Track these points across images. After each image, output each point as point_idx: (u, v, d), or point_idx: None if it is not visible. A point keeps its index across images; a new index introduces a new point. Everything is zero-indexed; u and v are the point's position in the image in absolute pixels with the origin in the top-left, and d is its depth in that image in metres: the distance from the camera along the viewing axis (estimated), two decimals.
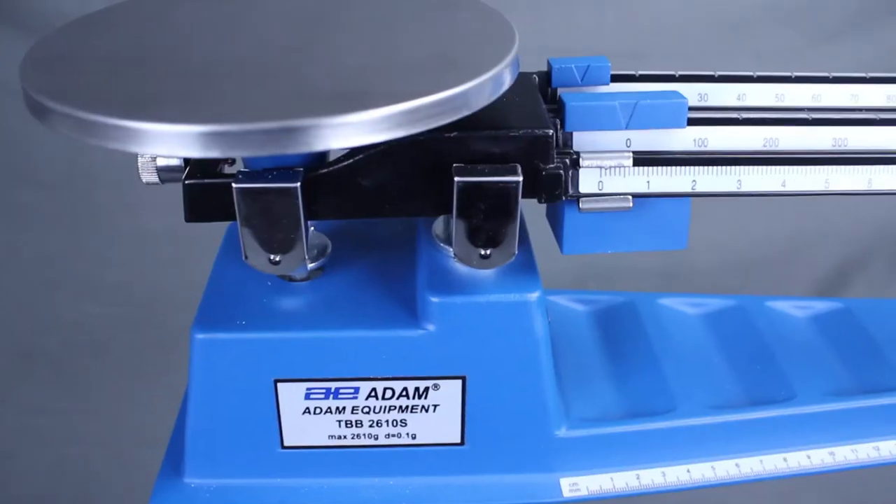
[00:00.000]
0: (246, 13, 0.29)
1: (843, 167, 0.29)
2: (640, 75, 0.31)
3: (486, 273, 0.29)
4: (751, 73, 0.33)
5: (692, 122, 0.29)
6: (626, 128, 0.28)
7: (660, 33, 0.87)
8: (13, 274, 0.78)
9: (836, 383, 0.35)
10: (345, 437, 0.30)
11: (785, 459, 0.33)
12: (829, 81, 0.33)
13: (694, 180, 0.28)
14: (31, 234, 0.79)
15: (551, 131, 0.26)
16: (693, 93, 0.32)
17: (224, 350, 0.28)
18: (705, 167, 0.28)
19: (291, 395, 0.29)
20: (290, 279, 0.31)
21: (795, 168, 0.28)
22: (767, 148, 0.29)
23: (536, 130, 0.26)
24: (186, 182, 0.27)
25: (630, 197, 0.27)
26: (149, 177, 0.28)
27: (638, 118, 0.28)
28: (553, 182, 0.26)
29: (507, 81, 0.25)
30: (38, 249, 0.79)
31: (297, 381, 0.29)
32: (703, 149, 0.29)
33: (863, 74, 0.34)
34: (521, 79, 0.30)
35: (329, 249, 0.31)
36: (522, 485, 0.31)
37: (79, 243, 0.78)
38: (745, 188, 0.28)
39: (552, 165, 0.26)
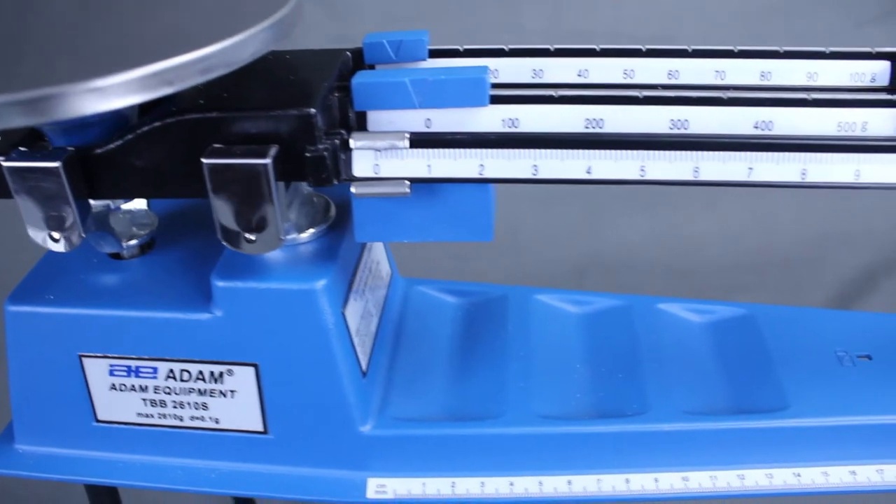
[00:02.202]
0: None
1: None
2: (465, 50, 0.29)
3: (283, 259, 0.28)
4: (639, 47, 0.29)
5: (498, 100, 0.26)
6: (421, 106, 0.26)
7: (685, 16, 0.81)
8: None
9: (702, 400, 0.31)
10: (152, 416, 0.30)
11: (627, 481, 0.29)
12: (779, 56, 0.28)
13: (482, 164, 0.25)
14: None
15: (313, 111, 0.24)
16: (540, 68, 0.29)
17: (32, 323, 0.29)
18: (495, 150, 0.25)
19: (97, 371, 0.29)
20: (118, 257, 0.31)
21: (610, 153, 0.25)
22: (589, 130, 0.26)
23: (296, 110, 0.24)
24: None
25: (407, 182, 0.25)
26: None
27: (432, 96, 0.26)
28: (317, 165, 0.25)
29: (253, 47, 0.23)
30: None
31: (100, 357, 0.29)
32: (511, 130, 0.26)
33: (822, 49, 0.29)
34: (323, 55, 0.28)
35: (152, 229, 0.31)
36: (328, 480, 0.30)
37: None
38: (543, 174, 0.25)
39: (317, 147, 0.25)
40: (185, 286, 0.29)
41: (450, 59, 0.29)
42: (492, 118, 0.26)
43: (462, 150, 0.25)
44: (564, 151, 0.25)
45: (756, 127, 0.26)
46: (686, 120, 0.26)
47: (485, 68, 0.26)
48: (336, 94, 0.26)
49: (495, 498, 0.29)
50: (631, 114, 0.26)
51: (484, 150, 0.25)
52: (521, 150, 0.25)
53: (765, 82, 0.28)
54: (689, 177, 0.25)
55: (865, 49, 0.28)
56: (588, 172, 0.25)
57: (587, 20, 0.86)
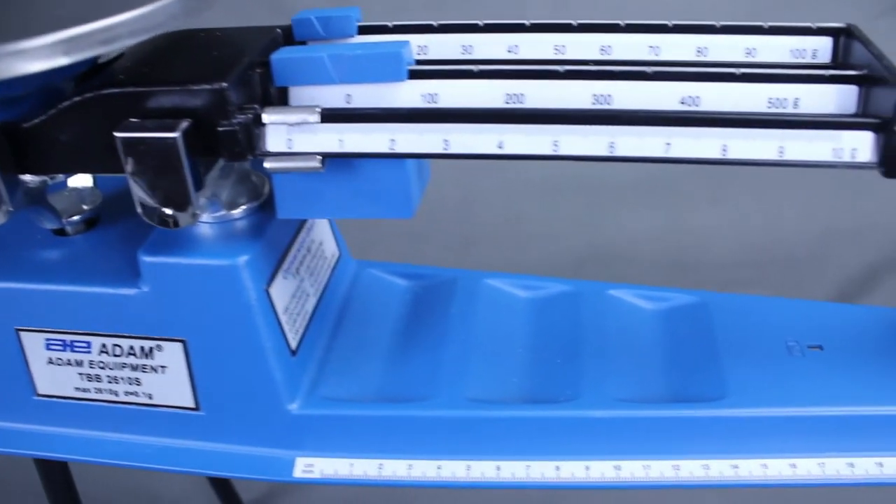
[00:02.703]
0: None
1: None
2: (394, 26, 0.28)
3: (212, 236, 0.28)
4: (570, 22, 0.29)
5: (417, 75, 0.26)
6: (340, 82, 0.26)
7: (693, 10, 0.79)
8: None
9: (639, 388, 0.30)
10: (89, 390, 0.30)
11: (557, 468, 0.29)
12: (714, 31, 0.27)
13: (392, 139, 0.25)
14: None
15: (225, 85, 0.24)
16: (474, 44, 0.29)
17: None
18: (406, 124, 0.24)
19: (34, 345, 0.30)
20: (63, 233, 0.32)
21: (523, 127, 0.24)
22: (509, 105, 0.25)
23: (208, 85, 0.24)
24: None
25: (319, 157, 0.25)
26: None
27: (350, 71, 0.25)
28: (230, 140, 0.25)
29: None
30: None
31: (36, 332, 0.30)
32: (431, 105, 0.26)
33: (761, 24, 0.28)
34: (254, 32, 0.28)
35: (96, 205, 0.31)
36: (257, 458, 0.30)
37: None
38: (454, 149, 0.24)
39: (230, 122, 0.25)
40: (121, 262, 0.29)
41: (379, 36, 0.28)
42: (411, 93, 0.26)
43: (373, 125, 0.25)
44: (476, 126, 0.24)
45: (682, 102, 0.25)
46: (609, 95, 0.25)
47: (403, 43, 0.26)
48: (258, 70, 0.26)
49: (422, 481, 0.29)
50: (552, 89, 0.25)
51: (395, 125, 0.25)
52: (433, 125, 0.24)
53: (701, 58, 0.27)
54: (604, 152, 0.24)
55: (806, 24, 0.27)
56: (500, 147, 0.24)
57: (593, 11, 0.84)
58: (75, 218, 0.31)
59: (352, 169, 0.26)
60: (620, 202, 0.80)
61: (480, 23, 0.28)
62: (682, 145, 0.24)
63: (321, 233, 0.33)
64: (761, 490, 0.29)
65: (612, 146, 0.24)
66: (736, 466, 0.29)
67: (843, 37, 0.27)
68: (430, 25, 0.28)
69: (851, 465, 0.29)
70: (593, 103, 0.25)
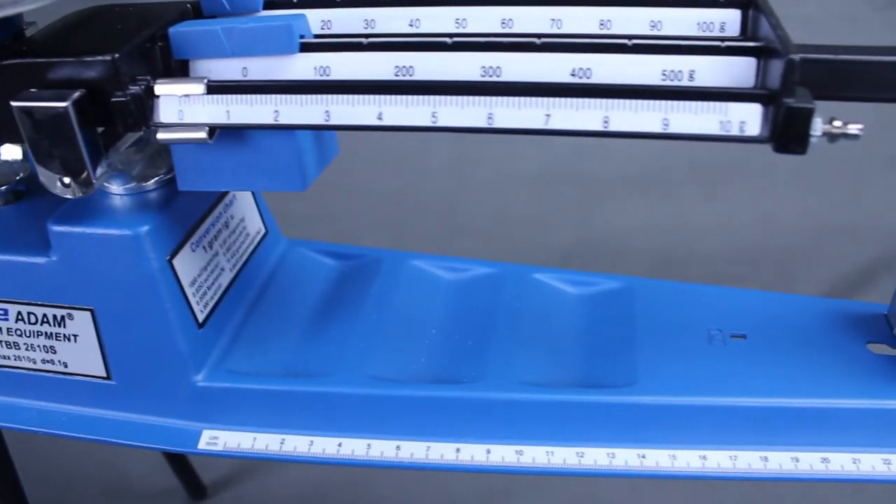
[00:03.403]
0: None
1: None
2: (300, 1, 0.28)
3: (121, 206, 0.29)
4: None
5: (310, 47, 0.25)
6: (234, 55, 0.26)
7: None
8: None
9: (549, 372, 0.29)
10: (8, 357, 0.31)
11: (458, 450, 0.28)
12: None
13: (276, 111, 0.25)
14: None
15: (117, 56, 0.25)
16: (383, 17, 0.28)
17: None
18: (289, 95, 0.24)
19: None
20: None
21: (402, 98, 0.24)
22: (401, 77, 0.25)
23: (101, 56, 0.25)
24: None
25: (206, 128, 0.25)
26: None
27: (244, 44, 0.26)
28: (122, 110, 0.25)
29: None
30: None
31: None
32: (324, 78, 0.26)
33: None
34: (164, 7, 0.28)
35: (24, 177, 0.32)
36: (164, 429, 0.30)
37: None
38: (335, 121, 0.24)
39: (123, 93, 0.25)
40: (39, 232, 0.30)
41: (284, 11, 0.28)
42: (304, 66, 0.26)
43: (257, 97, 0.25)
44: (356, 97, 0.24)
45: (573, 74, 0.24)
46: (498, 67, 0.24)
47: (297, 16, 0.26)
48: (159, 44, 0.27)
49: (322, 457, 0.29)
50: (440, 61, 0.25)
51: (278, 97, 0.25)
52: (314, 96, 0.24)
53: (604, 31, 0.26)
54: (482, 124, 0.23)
55: None
56: (379, 119, 0.24)
57: None
58: (2, 189, 0.32)
59: (244, 141, 0.26)
60: (612, 196, 0.78)
61: None
62: (562, 117, 0.23)
63: (243, 209, 0.33)
64: (671, 481, 0.28)
65: (490, 118, 0.23)
66: (643, 456, 0.28)
67: (752, 9, 0.25)
68: (334, 0, 0.28)
69: (765, 458, 0.28)
70: (482, 75, 0.25)
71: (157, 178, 0.29)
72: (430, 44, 0.25)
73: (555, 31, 0.27)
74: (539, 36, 0.25)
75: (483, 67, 0.24)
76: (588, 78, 0.24)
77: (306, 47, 0.25)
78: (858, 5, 0.73)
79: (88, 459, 0.52)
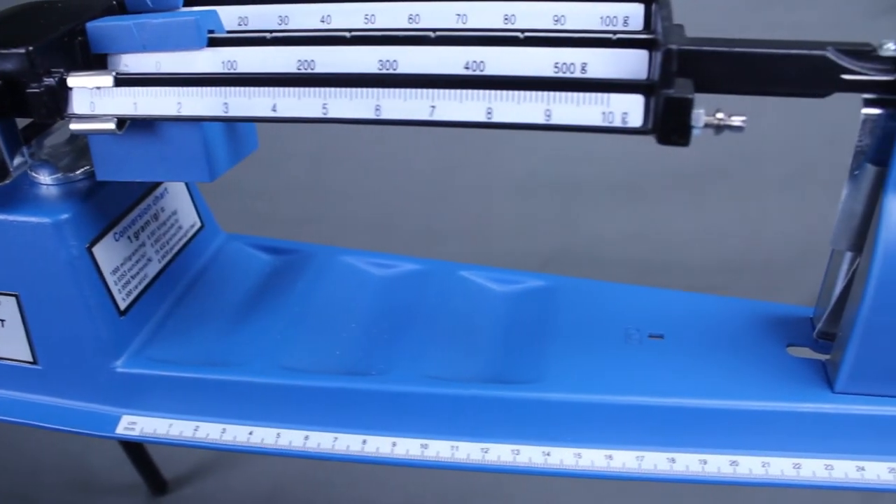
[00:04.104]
0: None
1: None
2: None
3: (48, 194, 0.30)
4: None
5: (218, 42, 0.26)
6: (146, 49, 0.27)
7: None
8: None
9: (459, 367, 0.29)
10: None
11: (364, 442, 0.28)
12: None
13: (179, 102, 0.25)
14: None
15: (30, 48, 0.26)
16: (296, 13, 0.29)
17: None
18: (190, 87, 0.25)
19: None
20: None
21: (294, 90, 0.24)
22: (303, 70, 0.25)
23: (16, 49, 0.26)
24: None
25: (114, 119, 0.26)
26: None
27: (153, 39, 0.26)
28: (36, 101, 0.26)
29: None
30: None
31: None
32: (230, 71, 0.26)
33: None
34: (93, 3, 0.29)
35: None
36: (86, 413, 0.31)
37: None
38: (233, 112, 0.25)
39: (38, 85, 0.26)
40: None
41: (201, 7, 0.29)
42: (213, 60, 0.26)
43: (162, 89, 0.25)
44: (252, 89, 0.25)
45: (467, 67, 0.24)
46: (395, 61, 0.25)
47: (209, 12, 0.27)
48: (79, 38, 0.28)
49: (233, 445, 0.29)
50: (341, 54, 0.25)
51: (182, 89, 0.25)
52: (212, 88, 0.25)
53: (508, 25, 0.26)
54: (370, 115, 0.24)
55: None
56: (273, 110, 0.24)
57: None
58: None
59: (155, 133, 0.27)
60: (596, 203, 0.78)
61: None
62: (447, 108, 0.23)
63: (176, 203, 0.34)
64: (577, 480, 0.28)
65: (378, 109, 0.24)
66: (547, 454, 0.28)
67: (654, 3, 0.25)
68: None
69: (672, 460, 0.27)
70: (379, 68, 0.25)
71: (83, 169, 0.30)
72: (331, 38, 0.25)
73: (460, 25, 0.27)
74: (437, 30, 0.25)
75: (380, 61, 0.25)
76: (482, 70, 0.24)
77: (214, 42, 0.26)
78: (851, 13, 0.72)
79: (52, 451, 0.53)
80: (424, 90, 0.23)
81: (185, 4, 0.29)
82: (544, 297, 0.32)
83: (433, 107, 0.23)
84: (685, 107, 0.21)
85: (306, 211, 0.77)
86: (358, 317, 0.32)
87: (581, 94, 0.22)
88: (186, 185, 0.35)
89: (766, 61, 0.23)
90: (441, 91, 0.23)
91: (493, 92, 0.23)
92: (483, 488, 0.51)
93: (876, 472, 0.27)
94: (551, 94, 0.22)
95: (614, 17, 0.26)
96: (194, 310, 0.33)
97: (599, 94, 0.22)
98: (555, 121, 0.23)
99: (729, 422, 0.27)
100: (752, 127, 0.23)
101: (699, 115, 0.22)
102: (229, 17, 0.29)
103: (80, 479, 0.52)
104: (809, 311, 0.31)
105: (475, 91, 0.23)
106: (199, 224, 0.36)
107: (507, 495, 0.51)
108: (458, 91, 0.23)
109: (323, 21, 0.28)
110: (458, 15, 0.27)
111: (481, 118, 0.23)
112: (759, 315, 0.31)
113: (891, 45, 0.24)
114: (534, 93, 0.23)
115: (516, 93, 0.23)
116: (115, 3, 0.30)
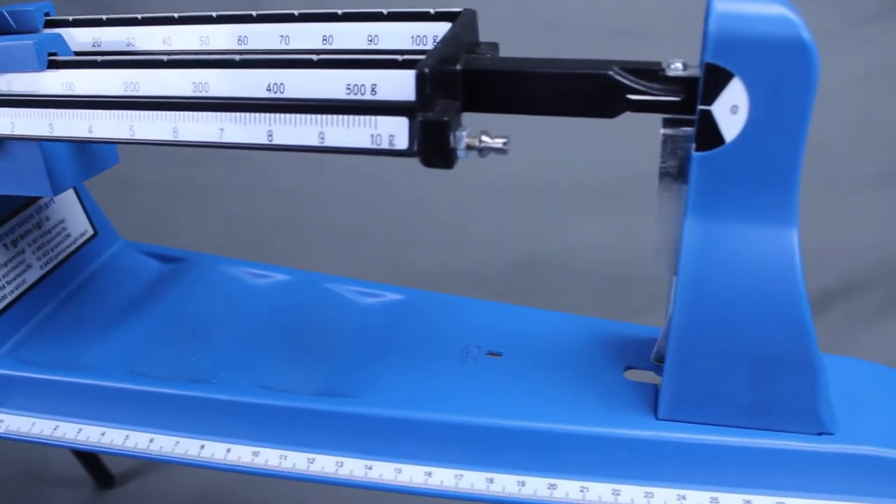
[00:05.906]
0: None
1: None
2: (74, 20, 0.30)
3: None
4: (250, 13, 0.29)
5: (57, 65, 0.27)
6: None
7: (659, 13, 0.74)
8: None
9: (294, 378, 0.30)
10: None
11: (202, 447, 0.29)
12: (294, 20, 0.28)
13: (13, 122, 0.27)
14: None
15: None
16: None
17: None
18: (19, 109, 0.27)
19: None
20: None
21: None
22: (129, 92, 0.27)
23: None
24: None
25: None
26: None
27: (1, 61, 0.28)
28: None
29: None
30: None
31: None
32: (69, 93, 0.28)
33: (381, 10, 0.27)
34: None
35: None
36: None
37: None
38: (57, 133, 0.26)
39: None
40: None
41: (67, 29, 0.31)
42: (54, 82, 0.28)
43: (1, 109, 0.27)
44: (73, 112, 0.26)
45: (269, 90, 0.25)
46: (206, 83, 0.26)
47: (49, 36, 0.28)
48: None
49: (85, 445, 0.31)
50: (161, 77, 0.26)
51: (14, 110, 0.27)
52: (39, 110, 0.26)
53: (327, 46, 0.27)
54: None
55: (425, 10, 0.26)
56: (90, 132, 0.26)
57: (559, 13, 0.82)
58: None
59: (4, 149, 0.29)
60: (570, 210, 0.77)
61: (176, 15, 0.29)
62: (233, 131, 0.24)
63: (64, 212, 0.36)
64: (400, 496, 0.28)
65: (175, 131, 0.25)
66: (369, 467, 0.28)
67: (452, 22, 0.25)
68: (100, 20, 0.30)
69: (490, 480, 0.27)
70: (194, 91, 0.26)
71: None
72: (152, 61, 0.26)
73: (322, 46, 0.27)
74: (243, 53, 0.26)
75: (194, 83, 0.26)
76: (282, 92, 0.25)
77: (54, 64, 0.28)
78: (835, 21, 0.68)
79: (6, 444, 0.56)
80: (209, 113, 0.24)
81: (46, 26, 0.31)
82: (400, 310, 0.32)
83: (222, 129, 0.24)
84: (441, 129, 0.21)
85: (279, 215, 0.78)
86: (222, 325, 0.33)
87: (350, 117, 0.23)
88: (78, 194, 0.37)
89: (548, 81, 0.23)
90: (229, 114, 0.24)
91: (273, 115, 0.23)
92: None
93: (697, 501, 0.26)
94: (323, 116, 0.23)
95: (424, 35, 0.26)
96: (74, 314, 0.35)
97: (368, 117, 0.22)
98: (328, 143, 0.23)
99: (549, 444, 0.27)
100: None
101: (461, 138, 0.22)
102: (85, 39, 0.30)
103: (33, 472, 0.55)
104: (657, 331, 0.30)
105: (258, 115, 0.24)
106: (90, 232, 0.37)
107: None
108: (244, 114, 0.24)
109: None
110: (283, 36, 0.28)
111: (262, 140, 0.24)
112: (611, 335, 0.30)
113: (678, 65, 0.23)
114: (308, 116, 0.23)
115: (293, 116, 0.23)
116: None
